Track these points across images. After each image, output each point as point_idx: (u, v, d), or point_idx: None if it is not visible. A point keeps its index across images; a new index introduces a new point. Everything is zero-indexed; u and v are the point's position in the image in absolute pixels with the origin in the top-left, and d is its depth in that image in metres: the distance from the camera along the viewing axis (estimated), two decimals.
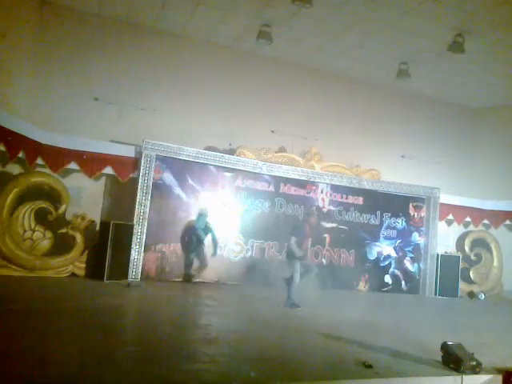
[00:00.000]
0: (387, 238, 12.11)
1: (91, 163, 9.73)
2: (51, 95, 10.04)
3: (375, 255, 11.92)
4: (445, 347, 4.87)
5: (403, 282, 12.06)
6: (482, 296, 12.47)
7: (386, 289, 11.85)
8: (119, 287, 8.47)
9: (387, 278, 11.95)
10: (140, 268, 9.47)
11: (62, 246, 9.13)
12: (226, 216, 10.53)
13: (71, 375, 3.60)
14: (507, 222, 13.57)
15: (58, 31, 10.25)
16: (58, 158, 9.50)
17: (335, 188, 11.66)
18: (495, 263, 13.33)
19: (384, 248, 12.04)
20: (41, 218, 9.00)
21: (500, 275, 13.34)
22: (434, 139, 13.87)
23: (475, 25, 9.62)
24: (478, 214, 13.64)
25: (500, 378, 4.72)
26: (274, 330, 6.11)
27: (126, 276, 9.21)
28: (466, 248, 13.24)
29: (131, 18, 10.72)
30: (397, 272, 12.05)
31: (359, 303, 9.41)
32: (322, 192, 11.55)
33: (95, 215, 9.90)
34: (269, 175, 10.99)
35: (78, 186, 9.81)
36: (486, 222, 13.82)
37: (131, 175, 10.01)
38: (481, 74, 12.11)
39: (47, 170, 9.41)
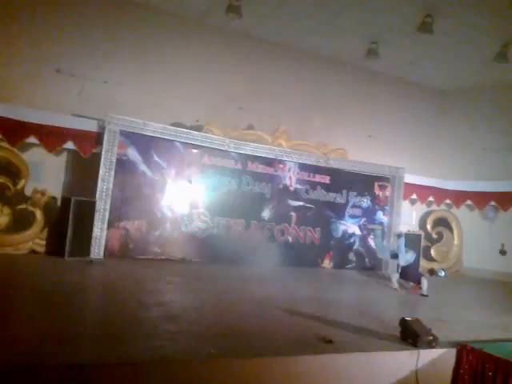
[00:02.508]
0: (352, 216, 12.26)
1: (52, 137, 9.38)
2: (10, 66, 9.59)
3: (340, 233, 12.07)
4: (403, 323, 4.98)
5: (366, 260, 12.28)
6: (443, 273, 12.86)
7: (349, 266, 12.05)
8: (81, 264, 8.29)
9: (351, 256, 12.17)
10: (103, 245, 9.29)
11: (21, 222, 8.86)
12: (192, 193, 10.41)
13: (30, 354, 3.52)
14: (468, 202, 13.93)
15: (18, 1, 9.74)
16: (16, 131, 9.12)
17: (302, 167, 11.66)
18: (456, 241, 13.75)
19: (349, 226, 12.20)
20: None
21: (460, 253, 13.79)
22: (401, 119, 14.02)
23: (444, 6, 9.66)
24: (440, 194, 13.95)
25: (454, 351, 4.88)
26: (237, 307, 6.12)
27: (88, 253, 9.01)
28: (428, 227, 13.62)
29: None
30: (361, 250, 12.27)
31: (321, 280, 9.54)
32: (289, 170, 11.54)
33: (56, 191, 9.64)
34: (236, 153, 10.88)
35: (38, 160, 9.48)
36: (448, 201, 14.16)
37: (94, 150, 9.71)
38: (448, 56, 12.22)
39: (5, 144, 9.03)
